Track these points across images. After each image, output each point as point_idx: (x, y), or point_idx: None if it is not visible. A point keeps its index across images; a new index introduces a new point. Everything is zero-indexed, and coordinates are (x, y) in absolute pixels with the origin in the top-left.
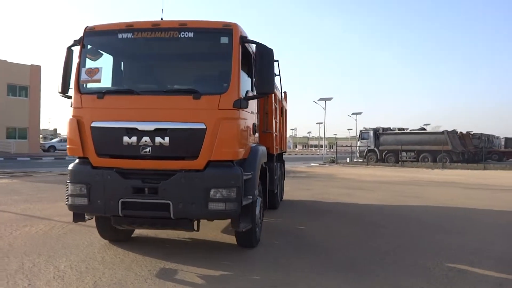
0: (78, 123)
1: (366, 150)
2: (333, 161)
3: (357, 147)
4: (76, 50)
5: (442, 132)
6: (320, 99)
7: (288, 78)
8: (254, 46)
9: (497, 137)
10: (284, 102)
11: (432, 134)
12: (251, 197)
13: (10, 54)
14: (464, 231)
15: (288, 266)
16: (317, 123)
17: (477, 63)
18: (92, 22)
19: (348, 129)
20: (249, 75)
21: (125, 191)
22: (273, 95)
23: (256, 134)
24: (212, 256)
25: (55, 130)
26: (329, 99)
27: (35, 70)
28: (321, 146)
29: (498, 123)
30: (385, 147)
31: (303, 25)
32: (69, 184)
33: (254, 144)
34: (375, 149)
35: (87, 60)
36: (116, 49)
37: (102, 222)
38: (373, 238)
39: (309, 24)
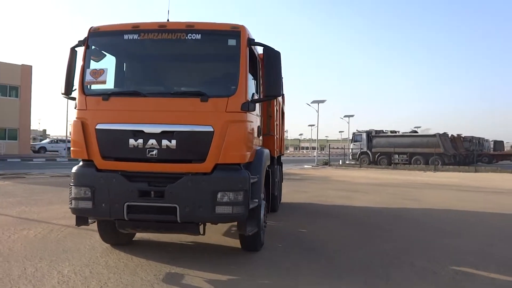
0: (82, 125)
1: (359, 152)
2: (326, 163)
3: (350, 149)
4: (80, 50)
5: (434, 135)
6: (313, 102)
7: None
8: (259, 48)
9: (487, 140)
10: (283, 105)
11: (424, 137)
12: (257, 200)
13: (0, 53)
14: (465, 233)
15: (295, 270)
16: (309, 125)
17: (466, 67)
18: (85, 23)
19: (339, 131)
20: (254, 78)
21: (130, 194)
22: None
23: (260, 137)
24: (217, 260)
25: (45, 131)
26: (322, 101)
27: (26, 70)
28: (313, 148)
29: (487, 126)
30: (378, 149)
31: (294, 28)
32: (72, 187)
33: (259, 147)
34: (368, 151)
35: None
36: (121, 50)
37: (104, 225)
38: (379, 242)
39: (301, 28)
